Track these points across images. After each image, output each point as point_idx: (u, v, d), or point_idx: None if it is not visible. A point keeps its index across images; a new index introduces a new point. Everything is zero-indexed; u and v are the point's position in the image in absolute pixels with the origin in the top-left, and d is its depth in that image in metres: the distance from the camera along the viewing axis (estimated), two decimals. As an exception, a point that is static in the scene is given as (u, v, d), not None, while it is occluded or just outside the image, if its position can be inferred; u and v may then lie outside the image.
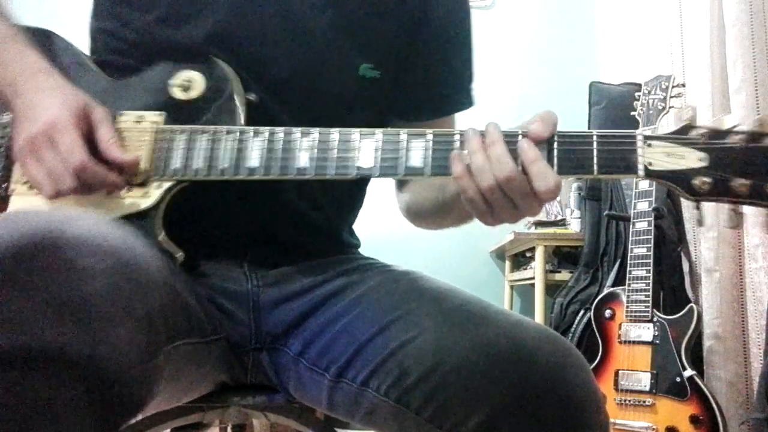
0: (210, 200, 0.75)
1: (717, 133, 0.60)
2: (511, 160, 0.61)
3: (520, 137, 0.63)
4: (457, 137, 0.65)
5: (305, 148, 0.68)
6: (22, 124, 0.68)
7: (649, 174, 0.61)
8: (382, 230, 2.51)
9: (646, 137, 0.62)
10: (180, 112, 0.73)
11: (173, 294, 0.61)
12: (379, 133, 0.67)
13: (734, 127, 0.60)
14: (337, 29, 0.81)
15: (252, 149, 0.69)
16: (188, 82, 0.74)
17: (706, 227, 1.79)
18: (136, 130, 0.72)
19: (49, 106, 0.67)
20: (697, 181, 0.60)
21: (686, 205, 1.97)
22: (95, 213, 0.60)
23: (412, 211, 0.93)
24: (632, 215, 1.82)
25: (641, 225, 1.79)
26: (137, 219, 0.70)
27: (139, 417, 0.60)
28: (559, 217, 2.44)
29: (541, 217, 2.53)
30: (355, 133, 0.68)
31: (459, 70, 0.90)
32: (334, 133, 0.68)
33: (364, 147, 0.67)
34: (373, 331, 0.67)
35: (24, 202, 0.72)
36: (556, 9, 3.00)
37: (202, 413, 0.83)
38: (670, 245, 1.90)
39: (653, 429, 1.61)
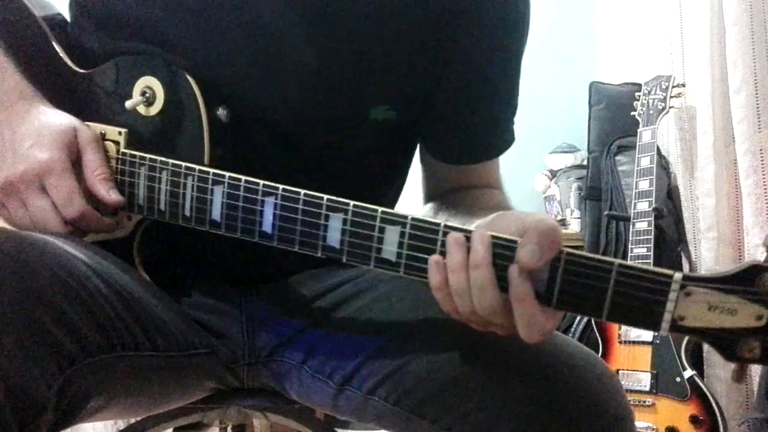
0: (190, 254, 0.74)
1: None
2: (496, 291, 0.49)
3: (511, 265, 0.48)
4: (440, 234, 0.52)
5: (267, 211, 0.58)
6: (2, 161, 0.61)
7: (677, 329, 0.46)
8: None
9: (685, 280, 0.45)
10: (142, 131, 0.66)
11: (123, 310, 0.59)
12: (349, 207, 0.55)
13: None
14: (341, 73, 0.69)
15: (213, 200, 0.61)
16: (148, 93, 0.65)
17: (706, 227, 1.79)
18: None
19: (36, 144, 0.61)
20: (744, 346, 0.45)
21: (686, 206, 1.98)
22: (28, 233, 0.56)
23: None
24: (632, 215, 1.82)
25: (641, 225, 1.79)
26: (114, 245, 0.67)
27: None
28: (559, 217, 2.44)
29: (541, 217, 2.53)
30: (323, 203, 0.56)
31: (501, 105, 0.77)
32: (300, 198, 0.57)
33: (332, 223, 0.56)
34: (381, 341, 0.66)
35: None
36: (555, 9, 2.99)
37: (202, 413, 0.83)
38: (670, 245, 1.90)
39: (653, 429, 1.61)
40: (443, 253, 0.51)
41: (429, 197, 0.85)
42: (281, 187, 0.57)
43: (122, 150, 0.65)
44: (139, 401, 0.69)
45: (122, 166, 0.65)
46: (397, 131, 0.74)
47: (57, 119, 0.64)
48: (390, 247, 0.54)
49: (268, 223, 0.58)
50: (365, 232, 0.54)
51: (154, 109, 0.65)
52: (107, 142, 0.66)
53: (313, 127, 0.70)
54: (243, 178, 0.59)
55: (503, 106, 0.77)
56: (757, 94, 1.64)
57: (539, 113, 2.89)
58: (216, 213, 0.61)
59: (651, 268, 0.46)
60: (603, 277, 0.47)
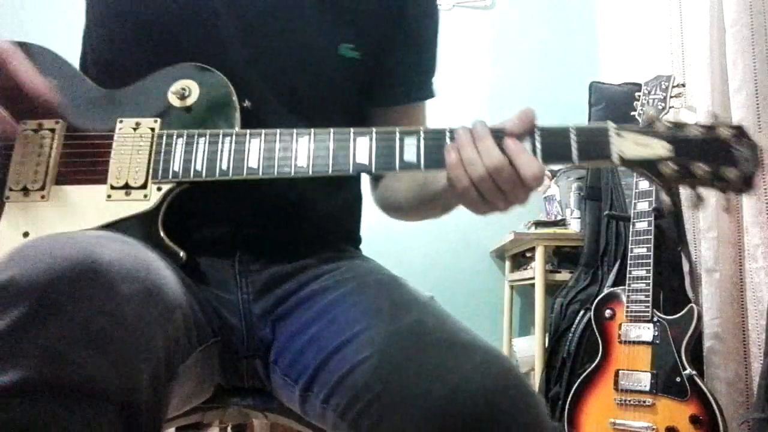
0: (198, 200, 0.75)
1: (678, 126, 0.69)
2: (498, 151, 0.66)
3: (506, 137, 0.68)
4: (447, 134, 0.69)
5: (302, 148, 0.71)
6: None
7: (623, 161, 0.68)
8: (383, 231, 2.50)
9: (618, 128, 0.69)
10: (177, 119, 0.75)
11: (191, 311, 0.62)
12: (372, 131, 0.71)
13: (694, 123, 0.70)
14: (318, 7, 0.83)
15: (250, 150, 0.71)
16: (184, 90, 0.75)
17: (706, 227, 1.79)
18: (135, 136, 0.74)
19: None
20: (664, 167, 0.68)
21: (686, 206, 1.97)
22: (120, 235, 0.59)
23: (389, 205, 0.94)
24: (632, 215, 1.81)
25: (641, 225, 1.79)
26: (138, 221, 0.71)
27: None
28: (559, 217, 2.43)
29: (541, 217, 2.53)
30: (350, 131, 0.71)
31: (429, 61, 0.95)
32: (330, 132, 0.71)
33: (360, 144, 0.70)
34: (336, 344, 0.66)
35: (18, 209, 0.71)
36: (556, 9, 2.99)
37: (202, 413, 0.83)
38: (670, 245, 1.90)
39: (653, 429, 1.61)
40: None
41: (376, 186, 0.96)
42: (312, 129, 0.71)
43: (158, 131, 0.74)
44: (175, 401, 0.69)
45: (158, 144, 0.73)
46: (360, 72, 0.87)
47: None
48: (410, 151, 0.69)
49: (303, 157, 0.70)
50: (388, 144, 0.69)
51: (188, 102, 0.75)
52: (143, 128, 0.74)
53: (294, 67, 0.82)
54: (277, 131, 0.72)
55: (432, 61, 0.95)
56: (757, 94, 1.64)
57: (539, 113, 2.89)
58: (253, 161, 0.71)
59: (592, 125, 0.68)
60: (566, 134, 0.68)
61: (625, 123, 0.72)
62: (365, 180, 0.99)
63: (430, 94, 0.95)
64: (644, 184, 1.82)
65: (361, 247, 0.96)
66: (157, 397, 0.51)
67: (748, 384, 1.71)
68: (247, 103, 0.76)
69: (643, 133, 0.69)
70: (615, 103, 2.20)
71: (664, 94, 1.87)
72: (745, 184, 0.70)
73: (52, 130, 0.75)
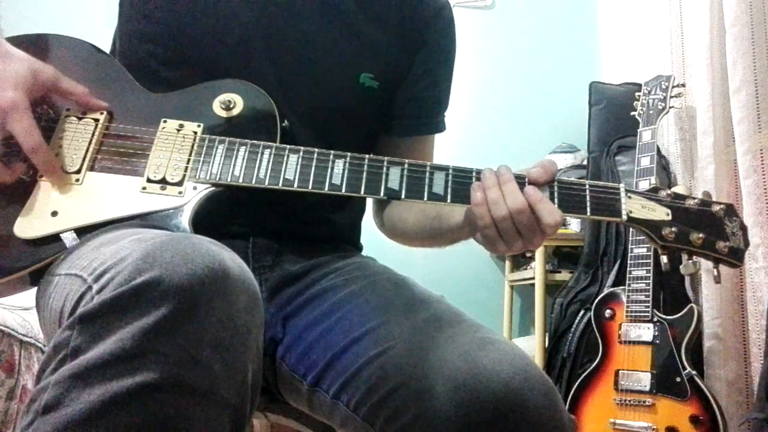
0: (222, 202, 0.77)
1: (678, 196, 0.77)
2: (521, 195, 0.70)
3: (527, 185, 0.73)
4: (474, 173, 0.75)
5: (337, 168, 0.74)
6: None
7: (630, 220, 0.75)
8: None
9: (627, 191, 0.76)
10: (219, 128, 0.78)
11: None
12: (405, 162, 0.75)
13: (690, 195, 0.78)
14: (342, 36, 0.86)
15: (289, 163, 0.74)
16: (230, 102, 0.78)
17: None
18: (178, 136, 0.76)
19: (9, 75, 0.69)
20: (665, 231, 0.75)
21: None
22: (218, 243, 0.61)
23: (395, 231, 0.96)
24: (632, 215, 1.81)
25: (641, 225, 1.78)
26: (168, 217, 0.72)
27: None
28: (559, 217, 2.43)
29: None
30: (385, 160, 0.75)
31: (443, 96, 0.99)
32: (365, 158, 0.75)
33: (392, 172, 0.74)
34: (348, 341, 0.68)
35: (51, 189, 0.73)
36: (556, 9, 2.99)
37: (202, 413, 0.83)
38: (670, 245, 1.90)
39: (653, 429, 1.61)
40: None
41: (381, 214, 0.99)
42: (348, 154, 0.75)
43: (200, 135, 0.77)
44: None
45: (200, 146, 0.76)
46: (378, 102, 0.90)
47: (15, 65, 0.71)
48: (438, 185, 0.74)
49: (337, 177, 0.74)
50: (419, 176, 0.74)
51: (233, 113, 0.78)
52: (187, 130, 0.77)
53: (315, 93, 0.85)
54: (315, 150, 0.75)
55: (446, 95, 1.00)
56: (757, 94, 1.64)
57: (539, 113, 2.89)
58: (290, 173, 0.74)
59: (605, 184, 0.76)
60: (582, 189, 0.74)
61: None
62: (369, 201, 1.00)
63: (440, 128, 0.99)
64: (644, 184, 1.82)
65: (362, 245, 0.97)
66: (252, 400, 0.54)
67: (748, 384, 1.71)
68: (286, 123, 0.80)
69: (648, 198, 0.76)
70: (615, 103, 2.20)
71: (664, 94, 1.87)
72: (735, 258, 0.78)
73: (96, 120, 0.77)
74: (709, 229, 0.77)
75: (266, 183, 0.73)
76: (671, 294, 1.84)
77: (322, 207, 0.88)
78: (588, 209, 0.74)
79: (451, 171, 0.74)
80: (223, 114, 0.78)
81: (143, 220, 0.71)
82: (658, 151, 1.90)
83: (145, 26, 0.85)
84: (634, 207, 0.75)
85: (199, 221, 0.74)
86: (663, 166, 1.99)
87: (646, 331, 1.70)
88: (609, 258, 2.05)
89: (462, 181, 0.74)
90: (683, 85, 1.95)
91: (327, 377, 0.68)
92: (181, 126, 0.77)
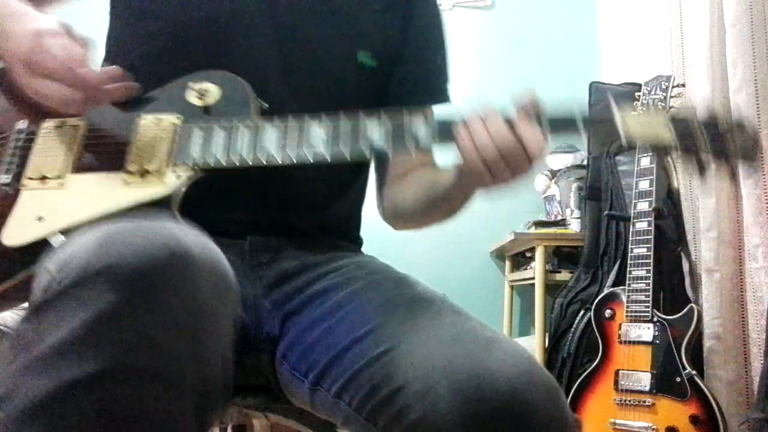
0: (212, 186, 0.76)
1: (677, 116, 0.73)
2: (506, 126, 0.69)
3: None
4: (456, 118, 0.72)
5: (319, 133, 0.72)
6: (10, 43, 0.69)
7: (628, 134, 0.71)
8: (383, 231, 2.50)
9: (620, 109, 0.72)
10: (196, 117, 0.77)
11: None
12: (387, 118, 0.73)
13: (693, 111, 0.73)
14: (338, 17, 0.87)
15: (268, 137, 0.73)
16: (204, 91, 0.78)
17: (706, 227, 1.79)
18: (158, 129, 0.76)
19: (34, 20, 0.70)
20: (665, 134, 0.71)
21: (686, 206, 1.98)
22: (186, 225, 0.60)
23: (398, 213, 0.95)
24: (632, 215, 1.82)
25: (641, 225, 1.79)
26: (155, 207, 0.72)
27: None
28: (559, 217, 2.43)
29: (541, 217, 2.53)
30: (362, 115, 0.73)
31: (441, 66, 0.98)
32: (343, 118, 0.73)
33: (374, 129, 0.72)
34: (349, 341, 0.67)
35: (34, 196, 0.73)
36: (556, 9, 2.99)
37: (202, 413, 0.83)
38: (670, 245, 1.90)
39: (653, 429, 1.61)
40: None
41: (382, 196, 0.98)
42: (328, 118, 0.73)
43: (179, 125, 0.76)
44: None
45: (178, 136, 0.76)
46: (377, 81, 0.90)
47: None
48: (422, 133, 0.72)
49: (320, 144, 0.72)
50: (402, 129, 0.72)
51: (208, 101, 0.78)
52: (165, 122, 0.77)
53: (316, 74, 0.85)
54: (293, 118, 0.73)
55: (444, 66, 0.99)
56: (757, 94, 1.64)
57: (539, 113, 2.89)
58: (271, 147, 0.73)
59: (597, 112, 0.73)
60: (572, 115, 0.71)
61: None
62: (370, 187, 1.00)
63: (445, 98, 0.97)
64: (644, 184, 1.82)
65: (363, 247, 0.97)
66: (225, 385, 0.54)
67: (748, 384, 1.71)
68: (264, 105, 0.79)
69: (645, 113, 0.75)
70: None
71: (664, 94, 1.87)
72: (744, 157, 0.71)
73: (75, 127, 0.77)
74: (715, 132, 0.71)
75: (249, 161, 0.72)
76: (671, 294, 1.84)
77: (318, 196, 0.87)
78: (581, 131, 0.72)
79: (432, 114, 0.73)
80: (199, 103, 0.78)
81: (132, 214, 0.71)
82: (658, 151, 1.89)
83: (143, 25, 0.85)
84: (629, 119, 0.72)
85: (188, 212, 0.73)
86: (663, 166, 1.99)
87: (646, 331, 1.70)
88: (609, 258, 2.05)
89: (447, 127, 0.72)
90: (683, 85, 1.95)
91: (328, 376, 0.67)
92: (159, 120, 0.77)
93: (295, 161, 0.72)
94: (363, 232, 0.98)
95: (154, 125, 0.76)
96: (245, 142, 0.73)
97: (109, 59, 0.88)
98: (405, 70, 0.93)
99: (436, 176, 0.84)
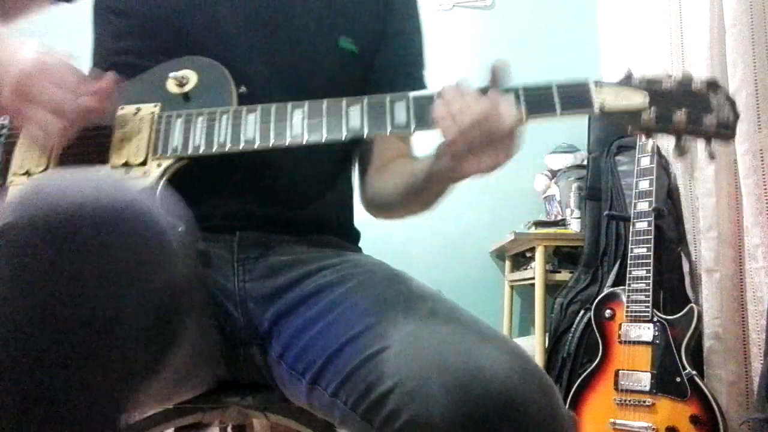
0: (201, 179, 0.77)
1: (653, 80, 0.74)
2: (484, 99, 0.69)
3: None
4: (434, 95, 0.72)
5: (297, 118, 0.74)
6: (3, 78, 0.70)
7: (604, 111, 0.72)
8: (382, 230, 2.50)
9: (597, 82, 0.73)
10: (176, 106, 0.78)
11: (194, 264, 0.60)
12: (365, 99, 0.74)
13: (668, 75, 0.75)
14: (316, 3, 0.88)
15: (248, 123, 0.74)
16: (183, 78, 0.78)
17: (706, 227, 1.79)
18: (136, 119, 0.76)
19: (16, 58, 0.70)
20: (645, 116, 0.72)
21: (686, 206, 1.98)
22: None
23: (379, 202, 0.95)
24: (632, 215, 1.82)
25: (641, 225, 1.79)
26: None
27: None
28: (559, 217, 2.43)
29: (541, 217, 2.53)
30: (343, 101, 0.74)
31: (418, 51, 0.99)
32: (323, 102, 0.74)
33: (352, 112, 0.74)
34: (346, 338, 0.67)
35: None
36: (556, 9, 2.99)
37: (202, 413, 0.83)
38: (670, 245, 1.90)
39: (653, 429, 1.61)
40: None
41: (364, 186, 0.98)
42: (306, 102, 0.74)
43: (157, 114, 0.77)
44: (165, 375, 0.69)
45: (158, 124, 0.76)
46: (359, 67, 0.91)
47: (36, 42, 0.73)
48: (401, 115, 0.73)
49: (298, 126, 0.73)
50: (380, 110, 0.73)
51: (187, 88, 0.78)
52: (144, 112, 0.77)
53: (297, 59, 0.85)
54: (273, 105, 0.75)
55: (421, 52, 0.99)
56: (757, 94, 1.64)
57: (539, 113, 2.89)
58: (250, 132, 0.74)
59: (573, 79, 0.72)
60: (549, 88, 0.72)
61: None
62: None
63: (420, 86, 0.98)
64: (644, 184, 1.82)
65: (361, 246, 0.96)
66: (158, 336, 0.51)
67: (748, 384, 1.71)
68: (243, 89, 0.79)
69: (621, 86, 0.73)
70: (615, 103, 2.20)
71: (664, 94, 1.86)
72: (725, 129, 0.72)
73: None
74: (693, 106, 0.72)
75: (228, 146, 0.73)
76: (671, 294, 1.84)
77: (305, 187, 0.87)
78: (557, 107, 0.71)
79: (412, 97, 0.74)
80: (177, 91, 0.78)
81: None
82: (658, 151, 1.90)
83: (121, 22, 0.85)
84: (606, 97, 0.72)
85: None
86: (663, 166, 1.99)
87: (646, 331, 1.70)
88: (609, 258, 2.05)
89: (424, 105, 0.72)
90: (683, 85, 1.94)
91: (325, 375, 0.67)
92: (138, 109, 0.77)
93: (273, 145, 0.73)
94: (363, 233, 0.97)
95: (133, 116, 0.77)
96: (225, 129, 0.74)
97: (96, 59, 0.89)
98: (385, 56, 0.94)
99: (415, 165, 0.84)
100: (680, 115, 0.71)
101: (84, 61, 0.86)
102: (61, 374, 0.45)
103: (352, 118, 0.73)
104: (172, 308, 0.52)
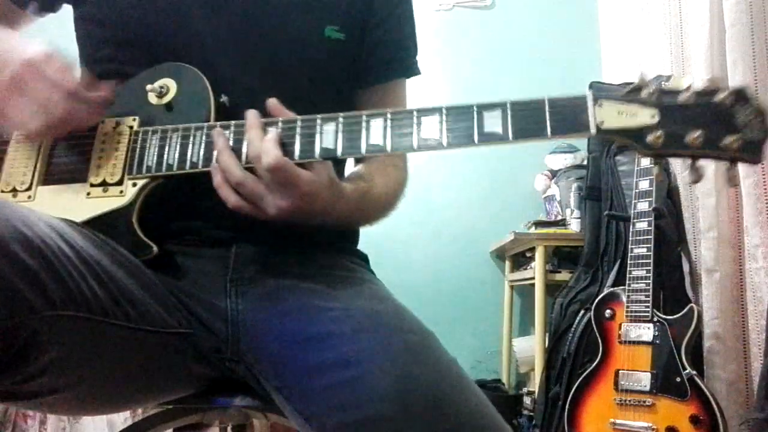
0: (196, 194, 0.76)
1: (667, 91, 0.63)
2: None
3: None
4: (414, 112, 0.68)
5: (270, 137, 0.69)
6: (7, 62, 0.69)
7: (602, 131, 0.63)
8: (383, 231, 2.50)
9: (597, 98, 0.64)
10: (156, 117, 0.77)
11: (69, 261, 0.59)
12: (339, 116, 0.70)
13: (687, 87, 0.63)
14: None
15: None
16: (162, 88, 0.78)
17: (706, 227, 1.79)
18: (114, 134, 0.77)
19: (24, 48, 0.70)
20: (651, 137, 0.62)
21: (686, 206, 1.98)
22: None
23: None
24: (632, 215, 1.82)
25: (641, 225, 1.79)
26: (114, 217, 0.73)
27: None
28: (559, 217, 2.43)
29: (541, 217, 2.53)
30: (318, 117, 0.70)
31: (408, 37, 0.97)
32: (297, 120, 0.70)
33: (327, 130, 0.69)
34: (361, 401, 0.62)
35: None
36: (556, 9, 2.99)
37: (202, 413, 0.83)
38: (670, 245, 1.90)
39: (653, 429, 1.61)
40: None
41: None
42: (280, 119, 0.70)
43: (135, 129, 0.76)
44: (114, 381, 0.68)
45: (134, 142, 0.76)
46: (346, 54, 0.89)
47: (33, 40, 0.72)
48: (377, 133, 0.68)
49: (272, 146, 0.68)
50: (355, 129, 0.68)
51: (166, 99, 0.77)
52: (123, 127, 0.77)
53: (282, 51, 0.83)
54: (245, 121, 0.70)
55: (411, 36, 0.97)
56: (757, 94, 1.64)
57: (539, 113, 2.88)
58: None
59: (571, 95, 0.65)
60: (540, 107, 0.65)
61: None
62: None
63: (413, 71, 0.97)
64: (644, 184, 1.82)
65: (361, 247, 0.95)
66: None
67: (748, 384, 1.71)
68: (224, 98, 0.78)
69: (627, 102, 0.63)
70: (615, 103, 2.20)
71: (664, 94, 1.86)
72: (749, 152, 0.60)
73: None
74: (712, 124, 0.60)
75: (200, 166, 0.72)
76: (671, 294, 1.84)
77: None
78: (548, 128, 0.64)
79: (389, 115, 0.68)
80: (156, 102, 0.78)
81: (92, 226, 0.72)
82: (658, 151, 1.89)
83: (99, 32, 0.84)
84: (607, 115, 0.63)
85: (178, 227, 0.74)
86: (663, 166, 1.99)
87: (646, 331, 1.70)
88: (609, 258, 2.05)
89: (400, 123, 0.67)
90: (683, 85, 1.94)
91: (317, 412, 0.65)
92: (117, 123, 0.77)
93: (244, 165, 0.69)
94: (363, 233, 0.97)
95: (112, 130, 0.77)
96: (198, 148, 0.73)
97: (81, 66, 0.88)
98: (373, 41, 0.92)
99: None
100: (694, 136, 0.61)
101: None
102: None
103: (326, 138, 0.69)
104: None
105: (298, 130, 0.70)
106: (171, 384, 0.75)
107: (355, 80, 0.92)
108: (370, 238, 0.99)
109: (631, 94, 0.64)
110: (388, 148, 0.67)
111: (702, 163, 0.63)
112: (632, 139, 0.63)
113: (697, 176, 0.64)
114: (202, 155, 0.72)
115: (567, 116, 0.64)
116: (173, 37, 0.81)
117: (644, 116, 0.63)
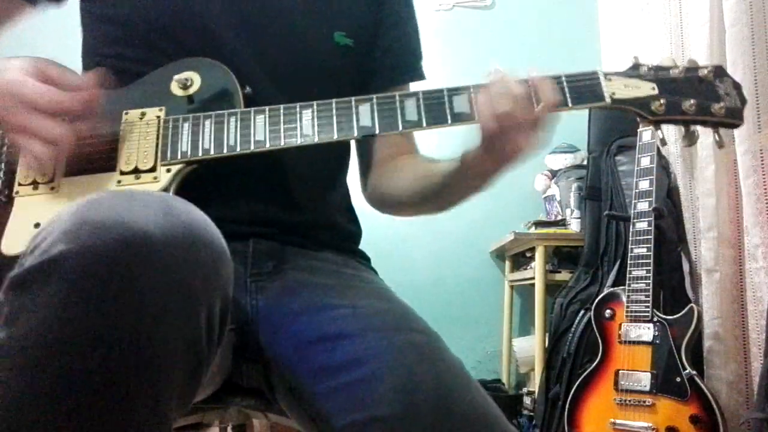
0: (212, 187, 0.77)
1: (661, 68, 0.77)
2: (519, 83, 0.71)
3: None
4: (445, 91, 0.74)
5: (306, 118, 0.74)
6: None
7: (615, 101, 0.74)
8: (383, 231, 2.50)
9: (606, 74, 0.75)
10: (181, 109, 0.77)
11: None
12: (373, 97, 0.74)
13: (674, 63, 0.77)
14: (309, 1, 0.87)
15: (256, 125, 0.74)
16: (187, 80, 0.77)
17: (706, 227, 1.79)
18: (142, 124, 0.76)
19: (2, 74, 0.67)
20: (654, 105, 0.74)
21: (686, 206, 1.98)
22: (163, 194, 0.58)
23: (387, 201, 0.95)
24: (632, 215, 1.82)
25: (641, 225, 1.79)
26: None
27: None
28: (559, 217, 2.43)
29: (541, 217, 2.53)
30: (352, 99, 0.74)
31: (415, 42, 1.00)
32: (332, 102, 0.74)
33: (362, 110, 0.74)
34: (373, 405, 0.63)
35: (28, 202, 0.72)
36: (556, 9, 2.99)
37: (202, 413, 0.83)
38: (670, 245, 1.90)
39: (653, 429, 1.61)
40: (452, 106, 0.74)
41: (366, 182, 0.99)
42: (315, 102, 0.74)
43: (164, 118, 0.76)
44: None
45: (165, 129, 0.75)
46: (354, 60, 0.90)
47: (11, 60, 0.70)
48: (411, 111, 0.73)
49: (308, 126, 0.74)
50: (390, 107, 0.74)
51: (191, 90, 0.78)
52: (150, 116, 0.76)
53: (292, 56, 0.85)
54: (281, 106, 0.74)
55: (417, 43, 1.00)
56: (757, 94, 1.64)
57: (539, 113, 2.89)
58: (260, 134, 0.74)
59: (581, 72, 0.75)
60: (559, 84, 0.73)
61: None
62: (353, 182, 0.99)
63: (419, 75, 0.99)
64: (644, 184, 1.82)
65: (362, 246, 0.96)
66: (189, 382, 0.52)
67: (748, 384, 1.71)
68: (248, 90, 0.79)
69: (630, 77, 0.76)
70: (615, 103, 2.20)
71: (664, 94, 1.86)
72: (733, 117, 0.73)
73: None
74: (701, 94, 0.74)
75: (238, 149, 0.73)
76: (671, 294, 1.84)
77: (312, 184, 0.87)
78: (568, 100, 0.73)
79: (421, 94, 0.74)
80: (181, 93, 0.78)
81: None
82: (658, 151, 1.90)
83: (110, 29, 0.84)
84: (616, 88, 0.75)
85: None
86: (663, 166, 1.99)
87: (646, 331, 1.70)
88: (609, 258, 2.05)
89: (434, 103, 0.73)
90: (683, 85, 1.94)
91: (323, 411, 0.65)
92: (143, 114, 0.76)
93: (283, 146, 0.72)
94: (364, 234, 0.97)
95: (138, 119, 0.76)
96: (234, 131, 0.74)
97: (86, 62, 0.88)
98: (382, 47, 0.94)
99: (433, 166, 0.84)
100: (689, 104, 0.73)
101: (74, 62, 0.85)
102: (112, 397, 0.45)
103: (363, 117, 0.73)
104: (224, 324, 0.54)
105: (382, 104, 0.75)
106: (211, 381, 0.74)
107: (361, 85, 0.92)
108: (370, 238, 0.99)
109: (632, 70, 0.76)
110: (424, 123, 0.73)
111: (695, 128, 0.76)
112: (639, 107, 0.74)
113: (691, 140, 0.77)
114: (239, 137, 0.73)
115: (583, 89, 0.73)
116: (189, 38, 0.82)
117: (646, 88, 0.75)
